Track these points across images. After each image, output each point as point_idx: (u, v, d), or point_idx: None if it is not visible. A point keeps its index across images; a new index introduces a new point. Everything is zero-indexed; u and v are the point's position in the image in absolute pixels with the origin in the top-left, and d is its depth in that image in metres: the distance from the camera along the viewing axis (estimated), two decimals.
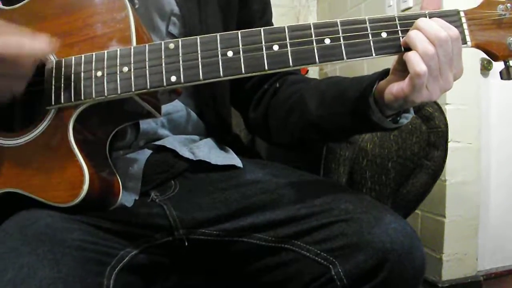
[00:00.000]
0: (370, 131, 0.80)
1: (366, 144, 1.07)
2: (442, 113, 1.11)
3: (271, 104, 0.90)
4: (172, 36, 0.83)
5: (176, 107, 0.84)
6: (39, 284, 0.53)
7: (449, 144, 1.14)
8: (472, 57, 1.64)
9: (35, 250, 0.56)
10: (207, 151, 0.84)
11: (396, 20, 0.62)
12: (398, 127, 0.71)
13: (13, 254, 0.56)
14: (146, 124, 0.81)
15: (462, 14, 0.63)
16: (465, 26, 0.62)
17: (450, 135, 1.14)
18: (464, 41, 0.63)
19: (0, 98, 0.63)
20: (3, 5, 0.71)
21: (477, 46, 0.63)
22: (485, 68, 1.77)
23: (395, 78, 0.65)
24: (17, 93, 0.63)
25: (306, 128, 0.82)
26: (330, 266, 0.66)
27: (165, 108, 0.75)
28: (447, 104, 1.60)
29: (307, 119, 0.80)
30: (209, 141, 0.88)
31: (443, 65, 0.60)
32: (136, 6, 0.79)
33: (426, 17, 0.62)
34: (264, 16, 0.96)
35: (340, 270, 0.65)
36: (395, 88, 0.63)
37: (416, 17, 0.62)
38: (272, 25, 0.95)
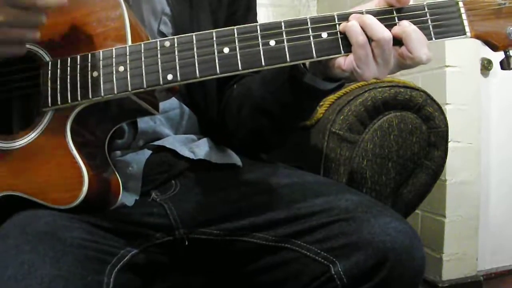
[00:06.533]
0: (310, 98, 0.76)
1: (366, 144, 1.07)
2: (442, 113, 1.12)
3: (226, 104, 0.90)
4: (163, 35, 0.83)
5: (172, 105, 0.84)
6: (39, 281, 0.53)
7: (449, 144, 1.14)
8: (472, 57, 1.64)
9: (35, 248, 0.56)
10: (208, 150, 0.84)
11: (394, 13, 0.62)
12: (338, 86, 0.71)
13: (14, 252, 0.56)
14: (144, 123, 0.81)
15: (460, 4, 0.62)
16: (464, 16, 0.61)
17: (450, 135, 1.14)
18: (464, 32, 0.62)
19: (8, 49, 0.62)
20: None
21: (477, 36, 0.62)
22: (485, 68, 1.76)
23: None
24: (21, 49, 0.63)
25: (254, 115, 0.82)
26: (330, 265, 0.66)
27: (162, 105, 0.75)
28: (447, 104, 1.59)
29: (253, 105, 0.81)
30: (208, 141, 0.87)
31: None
32: (130, 3, 0.78)
33: (424, 9, 0.61)
34: (246, 21, 0.91)
35: (340, 269, 0.65)
36: (344, 62, 0.62)
37: (415, 9, 0.62)
38: None
